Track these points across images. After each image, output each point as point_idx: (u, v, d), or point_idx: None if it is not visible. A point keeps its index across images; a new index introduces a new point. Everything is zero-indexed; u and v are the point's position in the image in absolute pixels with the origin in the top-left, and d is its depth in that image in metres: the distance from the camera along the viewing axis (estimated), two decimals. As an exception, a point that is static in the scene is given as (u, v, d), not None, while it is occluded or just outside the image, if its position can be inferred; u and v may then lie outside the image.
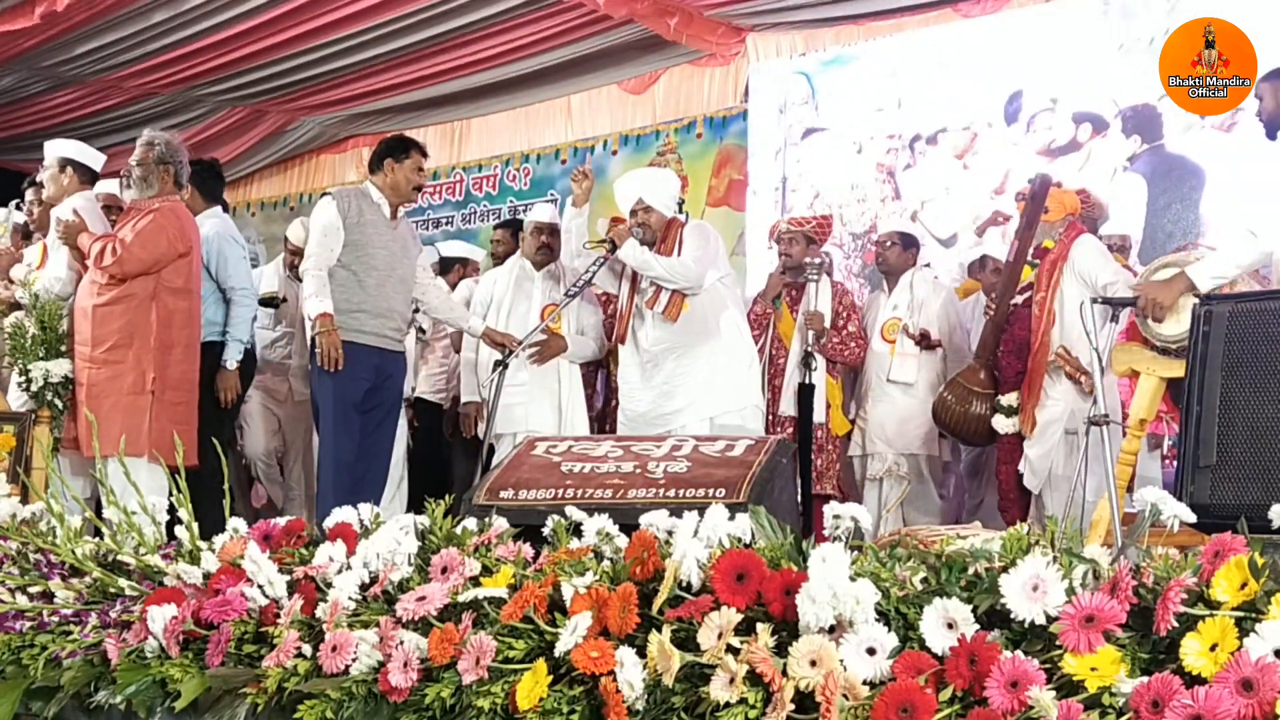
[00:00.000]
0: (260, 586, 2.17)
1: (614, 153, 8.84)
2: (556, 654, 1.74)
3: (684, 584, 1.78)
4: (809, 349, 5.32)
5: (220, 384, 5.19)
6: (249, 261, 5.59)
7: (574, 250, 5.38)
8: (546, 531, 2.26)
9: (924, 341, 5.61)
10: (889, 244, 5.92)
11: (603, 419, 5.92)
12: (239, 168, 10.75)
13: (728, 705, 1.56)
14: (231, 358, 5.23)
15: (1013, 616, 1.54)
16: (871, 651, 1.55)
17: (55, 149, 5.45)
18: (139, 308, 4.73)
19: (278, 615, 2.12)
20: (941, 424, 5.44)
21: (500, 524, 2.26)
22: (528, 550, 2.15)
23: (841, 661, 1.54)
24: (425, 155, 5.20)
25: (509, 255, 6.02)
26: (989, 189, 7.01)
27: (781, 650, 1.58)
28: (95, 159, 5.50)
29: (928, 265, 6.70)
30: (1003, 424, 5.14)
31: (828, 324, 5.52)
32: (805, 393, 5.28)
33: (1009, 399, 5.14)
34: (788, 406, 5.47)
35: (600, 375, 6.10)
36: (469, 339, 5.64)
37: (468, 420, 5.80)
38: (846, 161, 7.67)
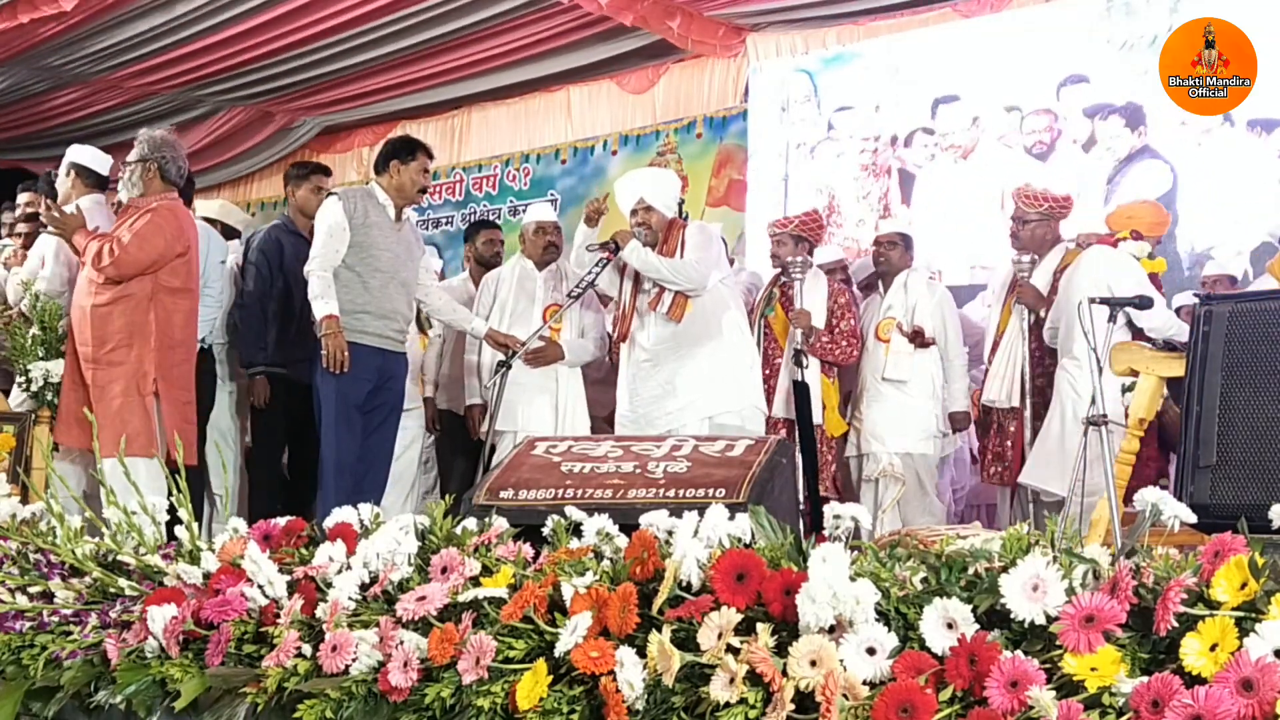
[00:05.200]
0: (260, 586, 2.17)
1: (614, 153, 8.82)
2: (556, 654, 1.74)
3: (684, 584, 1.78)
4: (798, 347, 5.32)
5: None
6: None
7: (583, 264, 5.34)
8: (546, 531, 2.26)
9: (917, 339, 5.60)
10: (891, 244, 5.89)
11: None
12: (239, 168, 10.76)
13: (728, 705, 1.56)
14: None
15: (1013, 616, 1.54)
16: (871, 651, 1.55)
17: (68, 154, 5.41)
18: (137, 308, 4.63)
19: (278, 615, 2.12)
20: None
21: (500, 524, 2.26)
22: (528, 550, 2.15)
23: (841, 661, 1.54)
24: (431, 157, 5.18)
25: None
26: (989, 188, 7.01)
27: (781, 650, 1.58)
28: (102, 163, 5.43)
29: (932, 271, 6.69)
30: None
31: (820, 323, 5.51)
32: (800, 391, 5.27)
33: None
34: (779, 408, 5.47)
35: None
36: (471, 340, 5.63)
37: (472, 423, 5.79)
38: (850, 159, 7.66)
